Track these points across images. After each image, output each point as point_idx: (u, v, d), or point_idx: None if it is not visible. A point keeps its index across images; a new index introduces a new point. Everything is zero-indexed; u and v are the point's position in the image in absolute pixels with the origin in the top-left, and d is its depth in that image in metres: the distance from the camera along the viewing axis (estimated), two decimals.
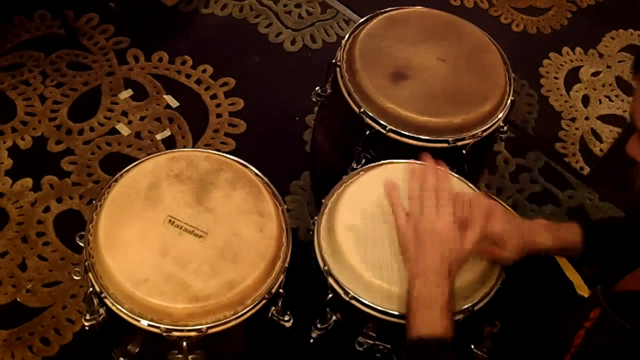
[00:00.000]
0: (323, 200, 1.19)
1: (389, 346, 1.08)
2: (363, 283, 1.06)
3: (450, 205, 1.01)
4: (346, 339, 1.10)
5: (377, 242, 1.09)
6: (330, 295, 1.09)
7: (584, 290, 1.08)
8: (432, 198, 1.02)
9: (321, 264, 1.11)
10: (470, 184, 1.20)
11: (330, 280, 1.09)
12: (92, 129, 1.95)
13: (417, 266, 0.98)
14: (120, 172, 1.17)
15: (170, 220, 1.10)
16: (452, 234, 0.99)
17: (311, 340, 1.13)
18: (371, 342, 1.08)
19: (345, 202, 1.15)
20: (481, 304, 1.07)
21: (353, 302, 1.06)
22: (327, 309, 1.11)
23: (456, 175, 1.21)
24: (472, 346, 1.09)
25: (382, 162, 1.23)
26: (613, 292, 0.91)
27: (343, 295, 1.07)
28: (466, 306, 1.05)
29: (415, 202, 1.03)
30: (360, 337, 1.08)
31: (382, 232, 1.10)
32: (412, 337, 0.93)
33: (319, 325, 1.12)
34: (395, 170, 1.20)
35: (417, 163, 1.22)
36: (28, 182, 1.83)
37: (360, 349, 1.08)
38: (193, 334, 1.03)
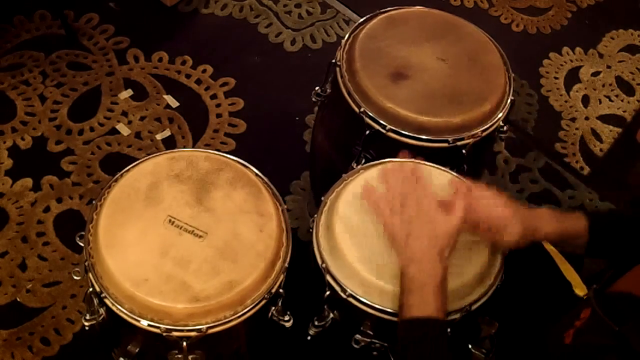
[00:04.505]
0: (322, 198, 1.19)
1: (385, 344, 1.08)
2: (360, 281, 1.06)
3: (430, 189, 1.01)
4: (343, 337, 1.10)
5: (376, 240, 1.09)
6: (328, 293, 1.09)
7: (582, 291, 1.08)
8: (411, 186, 1.02)
9: (319, 261, 1.11)
10: (462, 178, 1.20)
11: (328, 278, 1.09)
12: (92, 129, 1.95)
13: (408, 252, 0.98)
14: (120, 172, 1.17)
15: (170, 220, 1.10)
16: (437, 216, 0.99)
17: (308, 338, 1.13)
18: (368, 340, 1.08)
19: (344, 200, 1.15)
20: (479, 303, 1.06)
21: (350, 299, 1.07)
22: (325, 306, 1.12)
23: (441, 167, 1.21)
24: (470, 346, 1.09)
25: (383, 160, 1.24)
26: (605, 293, 0.91)
27: (340, 293, 1.08)
28: (464, 305, 1.05)
29: (396, 196, 1.03)
30: (357, 335, 1.08)
31: (380, 230, 1.09)
32: (404, 319, 0.93)
33: (316, 323, 1.12)
34: None
35: (414, 162, 1.22)
36: (28, 182, 1.83)
37: (357, 346, 1.08)
38: (193, 334, 1.03)
